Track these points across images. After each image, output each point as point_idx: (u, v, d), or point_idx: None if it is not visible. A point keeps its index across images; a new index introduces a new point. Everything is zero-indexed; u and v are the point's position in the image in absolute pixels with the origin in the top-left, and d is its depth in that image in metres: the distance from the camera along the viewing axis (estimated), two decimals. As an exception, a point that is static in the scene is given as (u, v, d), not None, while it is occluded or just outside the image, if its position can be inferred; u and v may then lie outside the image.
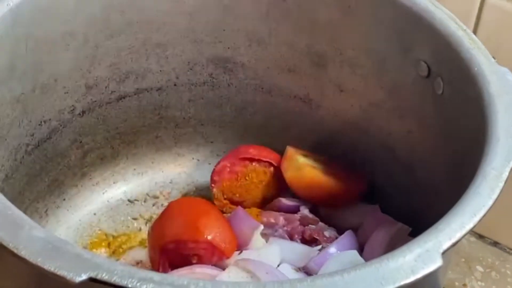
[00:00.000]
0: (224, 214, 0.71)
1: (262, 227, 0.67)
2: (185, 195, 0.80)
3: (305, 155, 0.74)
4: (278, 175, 0.74)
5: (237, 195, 0.74)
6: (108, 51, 0.72)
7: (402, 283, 0.42)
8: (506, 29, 0.74)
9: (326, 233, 0.70)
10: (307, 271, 0.64)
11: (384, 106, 0.71)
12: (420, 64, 0.64)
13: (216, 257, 0.63)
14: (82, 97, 0.72)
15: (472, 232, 0.84)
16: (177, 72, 0.77)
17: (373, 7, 0.67)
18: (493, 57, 0.59)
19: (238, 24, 0.74)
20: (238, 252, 0.65)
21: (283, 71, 0.76)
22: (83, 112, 0.73)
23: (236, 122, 0.80)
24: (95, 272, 0.42)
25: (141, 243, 0.74)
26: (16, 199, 0.68)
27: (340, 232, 0.70)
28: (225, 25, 0.74)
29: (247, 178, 0.74)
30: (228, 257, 0.64)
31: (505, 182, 0.50)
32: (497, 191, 0.49)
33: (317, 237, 0.69)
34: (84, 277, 0.42)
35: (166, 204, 0.76)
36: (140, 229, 0.77)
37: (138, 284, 0.41)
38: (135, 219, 0.78)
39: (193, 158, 0.81)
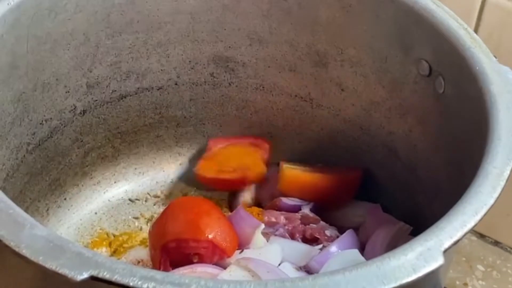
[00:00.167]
0: (225, 214, 0.71)
1: (263, 226, 0.67)
2: (186, 194, 0.80)
3: (296, 165, 0.76)
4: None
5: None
6: (109, 50, 0.72)
7: (404, 281, 0.42)
8: (507, 27, 0.74)
9: (327, 232, 0.70)
10: (308, 270, 0.64)
11: (385, 105, 0.71)
12: (421, 63, 0.64)
13: (217, 256, 0.63)
14: (83, 96, 0.72)
15: (473, 231, 0.84)
16: (178, 71, 0.77)
17: (374, 6, 0.67)
18: (494, 56, 0.59)
19: (238, 23, 0.74)
20: (239, 251, 0.65)
21: (284, 70, 0.76)
22: (84, 111, 0.73)
23: (237, 121, 0.80)
24: (96, 270, 0.42)
25: (142, 242, 0.74)
26: (17, 198, 0.68)
27: (341, 231, 0.70)
28: (225, 24, 0.74)
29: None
30: (229, 256, 0.64)
31: (507, 181, 0.50)
32: (499, 190, 0.49)
33: (318, 236, 0.69)
34: (85, 275, 0.42)
35: (167, 203, 0.76)
36: (141, 229, 0.77)
37: (139, 282, 0.41)
38: (136, 218, 0.78)
39: (194, 157, 0.81)
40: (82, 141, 0.75)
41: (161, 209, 0.74)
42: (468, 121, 0.59)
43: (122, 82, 0.75)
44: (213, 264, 0.63)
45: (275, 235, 0.69)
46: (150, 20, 0.72)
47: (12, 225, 0.44)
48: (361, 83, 0.72)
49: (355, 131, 0.75)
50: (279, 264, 0.65)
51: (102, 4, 0.68)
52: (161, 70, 0.76)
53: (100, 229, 0.76)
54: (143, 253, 0.70)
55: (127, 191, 0.80)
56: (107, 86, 0.74)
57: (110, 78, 0.74)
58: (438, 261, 0.44)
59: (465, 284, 0.81)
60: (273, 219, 0.71)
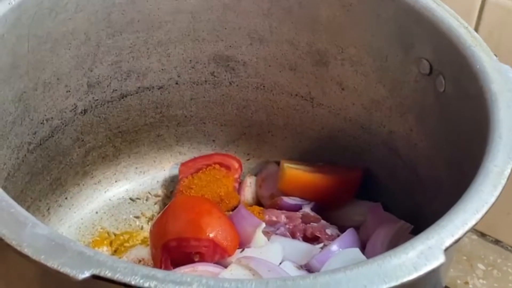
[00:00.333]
0: (226, 212, 0.71)
1: (264, 225, 0.67)
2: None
3: (297, 164, 0.76)
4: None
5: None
6: (110, 50, 0.72)
7: (405, 280, 0.42)
8: (507, 26, 0.74)
9: (328, 231, 0.70)
10: (309, 269, 0.64)
11: (385, 104, 0.71)
12: (421, 62, 0.64)
13: (218, 255, 0.63)
14: (84, 96, 0.72)
15: (474, 230, 0.85)
16: (179, 70, 0.77)
17: (374, 5, 0.67)
18: (495, 55, 0.59)
19: (239, 23, 0.74)
20: (240, 250, 0.65)
21: (285, 69, 0.76)
22: (85, 110, 0.73)
23: (237, 120, 0.80)
24: (98, 269, 0.42)
25: (143, 241, 0.74)
26: (19, 198, 0.68)
27: (342, 230, 0.70)
28: (226, 23, 0.74)
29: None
30: (230, 255, 0.64)
31: (508, 179, 0.50)
32: (500, 188, 0.49)
33: (319, 235, 0.69)
34: (87, 274, 0.42)
35: (168, 202, 0.76)
36: (142, 228, 0.77)
37: (141, 281, 0.41)
38: (137, 217, 0.78)
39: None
40: (83, 140, 0.75)
41: (162, 208, 0.74)
42: (469, 120, 0.59)
43: (123, 82, 0.75)
44: (214, 263, 0.63)
45: (276, 234, 0.69)
46: (150, 20, 0.72)
47: (14, 224, 0.44)
48: (362, 82, 0.72)
49: (356, 130, 0.75)
50: (280, 263, 0.65)
51: (103, 4, 0.68)
52: (162, 69, 0.76)
53: (101, 228, 0.76)
54: (144, 252, 0.70)
55: (128, 190, 0.80)
56: (108, 86, 0.74)
57: (111, 77, 0.74)
58: (439, 260, 0.44)
59: (466, 283, 0.81)
60: (274, 218, 0.71)
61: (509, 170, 0.50)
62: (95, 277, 0.42)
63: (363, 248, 0.67)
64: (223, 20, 0.74)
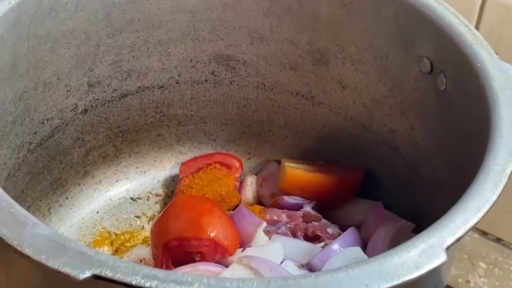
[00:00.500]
0: (227, 212, 0.71)
1: (265, 224, 0.66)
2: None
3: (298, 163, 0.76)
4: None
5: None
6: (110, 49, 0.72)
7: (406, 278, 0.42)
8: (508, 24, 0.74)
9: (329, 230, 0.70)
10: (311, 268, 0.64)
11: (386, 102, 0.71)
12: (422, 60, 0.64)
13: (219, 254, 0.63)
14: (84, 95, 0.72)
15: (475, 228, 0.84)
16: (179, 70, 0.77)
17: (374, 3, 0.67)
18: (496, 53, 0.59)
19: (239, 22, 0.74)
20: (241, 249, 0.65)
21: (285, 68, 0.76)
22: (85, 110, 0.73)
23: (238, 119, 0.80)
24: (98, 269, 0.42)
25: (144, 241, 0.74)
26: (19, 198, 0.68)
27: (343, 229, 0.70)
28: (226, 22, 0.74)
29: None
30: (231, 254, 0.64)
31: (509, 178, 0.50)
32: (501, 187, 0.49)
33: (320, 234, 0.69)
34: (88, 274, 0.41)
35: (168, 202, 0.76)
36: (143, 227, 0.77)
37: (142, 281, 0.41)
38: (138, 217, 0.78)
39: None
40: (83, 140, 0.75)
41: (163, 208, 0.74)
42: (470, 118, 0.58)
43: (123, 81, 0.75)
44: (215, 263, 0.63)
45: (277, 233, 0.69)
46: (150, 19, 0.72)
47: (14, 224, 0.44)
48: (362, 80, 0.72)
49: (357, 129, 0.75)
50: (281, 262, 0.64)
51: (103, 3, 0.68)
52: (162, 68, 0.76)
53: (102, 228, 0.76)
54: (145, 251, 0.70)
55: (129, 190, 0.80)
56: (108, 85, 0.74)
57: (111, 77, 0.73)
58: (440, 258, 0.44)
59: (467, 281, 0.81)
60: (275, 217, 0.71)
61: (510, 169, 0.50)
62: (96, 277, 0.42)
63: (364, 247, 0.67)
64: (223, 19, 0.74)
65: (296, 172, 0.74)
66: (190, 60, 0.76)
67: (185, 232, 0.63)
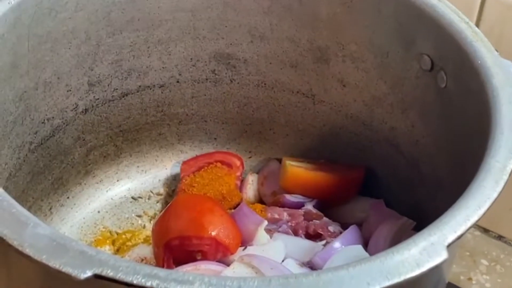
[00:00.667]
0: (228, 210, 0.71)
1: (266, 222, 0.66)
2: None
3: (299, 161, 0.76)
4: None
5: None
6: (110, 49, 0.72)
7: (408, 276, 0.42)
8: (508, 21, 0.74)
9: (331, 228, 0.69)
10: (312, 266, 0.64)
11: (387, 100, 0.71)
12: (422, 58, 0.64)
13: (220, 253, 0.63)
14: (84, 95, 0.72)
15: (476, 226, 0.84)
16: (180, 68, 0.76)
17: (375, 1, 0.67)
18: (496, 50, 0.59)
19: (239, 20, 0.73)
20: (242, 248, 0.65)
21: (286, 66, 0.75)
22: (86, 109, 0.73)
23: (239, 118, 0.80)
24: (100, 268, 0.42)
25: (145, 240, 0.74)
26: (20, 198, 0.68)
27: (345, 227, 0.70)
28: (226, 21, 0.74)
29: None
30: (232, 253, 0.63)
31: (510, 175, 0.50)
32: (502, 184, 0.49)
33: (322, 232, 0.69)
34: (89, 273, 0.41)
35: (170, 201, 0.76)
36: (144, 226, 0.77)
37: (143, 280, 0.41)
38: (139, 216, 0.78)
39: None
40: (84, 139, 0.75)
41: (164, 207, 0.74)
42: (470, 116, 0.58)
43: (124, 80, 0.75)
44: (216, 261, 0.63)
45: (278, 231, 0.69)
46: (150, 18, 0.72)
47: (15, 224, 0.44)
48: (363, 78, 0.72)
49: (357, 127, 0.75)
50: (283, 261, 0.64)
51: (103, 3, 0.68)
52: (163, 67, 0.76)
53: (103, 227, 0.76)
54: (146, 251, 0.70)
55: (130, 189, 0.80)
56: (108, 85, 0.74)
57: (111, 76, 0.73)
58: (442, 256, 0.44)
59: (469, 279, 0.81)
60: (276, 216, 0.71)
61: (511, 166, 0.50)
62: (97, 276, 0.42)
63: (365, 245, 0.66)
64: (223, 18, 0.73)
65: (297, 170, 0.74)
66: (191, 59, 0.76)
67: (186, 231, 0.63)
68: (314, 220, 0.70)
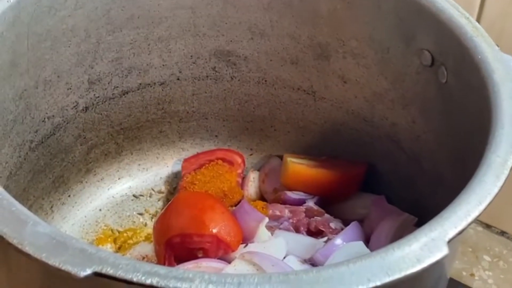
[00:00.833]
0: (230, 208, 0.70)
1: (267, 219, 0.66)
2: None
3: (300, 158, 0.76)
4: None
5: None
6: (110, 46, 0.71)
7: (408, 272, 0.42)
8: (509, 17, 0.74)
9: (332, 225, 0.69)
10: (313, 263, 0.64)
11: (388, 96, 0.70)
12: (423, 53, 0.64)
13: (221, 250, 0.63)
14: (85, 93, 0.72)
15: (479, 221, 0.84)
16: (180, 66, 0.76)
17: (375, -4, 0.67)
18: (497, 45, 0.59)
19: (239, 17, 0.73)
20: (243, 245, 0.65)
21: (286, 63, 0.75)
22: (86, 108, 0.73)
23: (240, 115, 0.80)
24: (99, 266, 0.41)
25: (146, 238, 0.74)
26: (21, 196, 0.68)
27: (346, 223, 0.69)
28: (226, 18, 0.73)
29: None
30: (233, 250, 0.63)
31: (511, 170, 0.49)
32: (503, 178, 0.48)
33: (323, 229, 0.69)
34: (88, 271, 0.41)
35: (171, 198, 0.76)
36: (145, 224, 0.77)
37: (143, 278, 0.41)
38: (140, 214, 0.78)
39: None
40: (85, 137, 0.75)
41: (165, 205, 0.74)
42: (471, 111, 0.58)
43: (124, 78, 0.74)
44: (217, 259, 0.63)
45: (280, 228, 0.69)
46: (150, 15, 0.72)
47: (15, 223, 0.44)
48: (364, 74, 0.71)
49: (359, 123, 0.74)
50: (284, 258, 0.64)
51: (102, 0, 0.68)
52: (163, 65, 0.76)
53: (105, 225, 0.76)
54: (148, 248, 0.69)
55: (131, 187, 0.80)
56: (109, 83, 0.74)
57: (111, 74, 0.73)
58: (442, 251, 0.43)
59: (472, 274, 0.81)
60: (278, 213, 0.70)
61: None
62: (97, 274, 0.41)
63: (367, 242, 0.66)
64: (224, 15, 0.73)
65: (298, 167, 0.74)
66: (191, 56, 0.76)
67: (188, 228, 0.63)
68: (315, 217, 0.70)
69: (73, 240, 0.43)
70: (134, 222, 0.77)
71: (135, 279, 0.41)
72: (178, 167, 0.80)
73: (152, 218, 0.77)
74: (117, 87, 0.75)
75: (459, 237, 0.46)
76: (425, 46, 0.64)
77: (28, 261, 0.43)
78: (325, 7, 0.70)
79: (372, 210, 0.70)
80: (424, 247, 0.43)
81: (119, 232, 0.75)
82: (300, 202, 0.72)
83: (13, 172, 0.66)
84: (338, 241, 0.65)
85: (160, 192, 0.80)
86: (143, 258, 0.69)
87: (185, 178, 0.76)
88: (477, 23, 0.60)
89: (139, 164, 0.80)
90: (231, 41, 0.75)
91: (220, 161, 0.77)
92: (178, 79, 0.77)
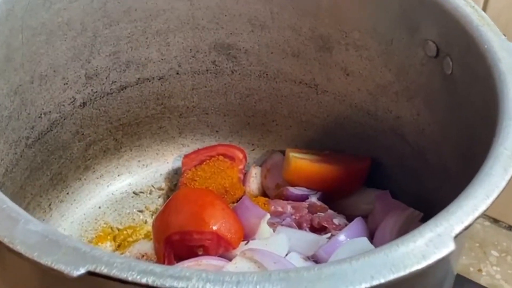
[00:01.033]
0: (231, 204, 0.69)
1: (268, 216, 0.65)
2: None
3: (303, 153, 0.74)
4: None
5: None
6: (107, 40, 0.70)
7: (413, 269, 0.41)
8: (516, 6, 0.73)
9: (335, 221, 0.68)
10: (316, 260, 0.63)
11: (391, 88, 0.69)
12: (427, 44, 0.63)
13: (222, 248, 0.62)
14: (82, 88, 0.71)
15: (486, 216, 0.83)
16: (179, 60, 0.75)
17: (377, -14, 0.65)
18: (504, 34, 0.58)
19: (239, 9, 0.72)
20: (245, 242, 0.64)
21: (287, 56, 0.74)
22: (84, 103, 0.72)
23: (241, 109, 0.79)
24: (93, 265, 0.40)
25: (146, 236, 0.73)
26: (18, 194, 0.67)
27: (350, 219, 0.68)
28: (226, 10, 0.72)
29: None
30: (234, 248, 0.62)
31: (519, 162, 0.48)
32: (511, 172, 0.47)
33: (326, 225, 0.68)
34: (82, 270, 0.40)
35: (171, 195, 0.75)
36: (145, 222, 0.76)
37: (138, 277, 0.40)
38: (140, 211, 0.77)
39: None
40: (83, 134, 0.74)
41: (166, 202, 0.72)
42: (477, 102, 0.57)
43: (122, 73, 0.73)
44: (218, 256, 0.62)
45: (282, 225, 0.67)
46: (148, 8, 0.71)
47: (6, 221, 0.43)
48: (367, 67, 0.70)
49: (362, 117, 0.73)
50: (287, 255, 0.63)
51: (98, -7, 0.67)
52: (162, 59, 0.75)
53: (104, 223, 0.75)
54: (147, 246, 0.68)
55: (131, 184, 0.79)
56: (106, 77, 0.73)
57: (109, 68, 0.72)
58: (448, 247, 0.42)
59: (479, 270, 0.80)
60: (280, 209, 0.69)
61: (520, 153, 0.48)
62: (90, 273, 0.40)
63: (371, 237, 0.65)
64: (223, 7, 0.72)
65: (301, 162, 0.73)
66: (190, 50, 0.75)
67: (187, 225, 0.62)
68: (318, 213, 0.69)
69: (66, 238, 0.42)
70: (134, 219, 0.76)
71: (130, 278, 0.40)
72: (178, 163, 0.79)
73: (152, 215, 0.76)
74: (115, 82, 0.73)
75: (466, 232, 0.44)
76: (430, 37, 0.62)
77: (20, 261, 0.42)
78: (327, -3, 0.69)
79: (376, 205, 0.69)
80: (430, 243, 0.42)
81: (118, 229, 0.74)
82: (303, 198, 0.71)
83: (9, 169, 0.65)
84: (341, 237, 0.64)
85: (160, 189, 0.79)
86: (142, 256, 0.68)
87: (185, 175, 0.75)
88: (483, 12, 0.59)
89: (139, 161, 0.79)
90: (231, 33, 0.74)
91: (221, 157, 0.76)
92: (177, 73, 0.76)
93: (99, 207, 0.77)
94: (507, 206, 0.82)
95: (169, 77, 0.76)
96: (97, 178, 0.77)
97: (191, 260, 0.61)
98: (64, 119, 0.71)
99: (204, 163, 0.76)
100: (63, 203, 0.75)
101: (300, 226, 0.68)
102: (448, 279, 0.54)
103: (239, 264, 0.59)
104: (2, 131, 0.63)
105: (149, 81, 0.75)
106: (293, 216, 0.69)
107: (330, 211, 0.70)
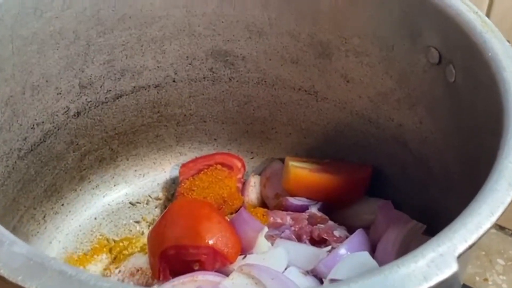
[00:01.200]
0: (228, 216, 0.68)
1: (266, 229, 0.64)
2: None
3: (302, 161, 0.73)
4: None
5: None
6: (101, 48, 0.69)
7: (414, 291, 0.39)
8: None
9: (336, 233, 0.67)
10: (316, 274, 0.61)
11: (393, 96, 0.68)
12: (430, 51, 0.62)
13: (218, 262, 0.61)
14: (76, 98, 0.70)
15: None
16: (175, 67, 0.74)
17: (378, -9, 0.64)
18: (508, 41, 0.56)
19: (236, 15, 0.71)
20: (242, 256, 0.62)
21: (286, 62, 0.73)
22: (78, 113, 0.71)
23: (239, 117, 0.78)
24: (79, 290, 0.39)
25: (142, 249, 0.72)
26: (10, 207, 0.67)
27: (351, 230, 0.67)
28: (223, 16, 0.71)
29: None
30: (231, 262, 0.61)
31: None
32: (516, 186, 0.45)
33: (327, 237, 0.66)
34: (67, 296, 0.39)
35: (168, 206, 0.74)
36: (142, 233, 0.75)
37: (127, 302, 0.38)
38: (137, 222, 0.76)
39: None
40: (77, 144, 0.73)
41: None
42: (481, 111, 0.56)
43: (117, 81, 0.72)
44: (215, 271, 0.61)
45: (281, 237, 0.66)
46: (143, 15, 0.70)
47: (-10, 242, 0.42)
48: (368, 73, 0.69)
49: (363, 124, 0.73)
50: (285, 269, 0.61)
51: (91, 0, 0.66)
52: (157, 67, 0.73)
53: (100, 235, 0.74)
54: (142, 260, 0.67)
55: (128, 194, 0.78)
56: (101, 86, 0.71)
57: (103, 77, 0.71)
58: (451, 268, 0.41)
59: (485, 279, 0.79)
60: (279, 220, 0.68)
61: (526, 167, 0.47)
62: (76, 299, 0.39)
63: (373, 250, 0.64)
64: (219, 14, 0.71)
65: (300, 172, 0.71)
66: (187, 57, 0.73)
67: (183, 239, 0.60)
68: (318, 224, 0.68)
69: (52, 261, 0.41)
70: (131, 230, 0.75)
71: (117, 303, 0.38)
72: (175, 173, 0.78)
73: (149, 226, 0.75)
74: (110, 90, 0.72)
75: (470, 251, 0.43)
76: (432, 43, 0.61)
77: (4, 284, 0.40)
78: (326, 2, 0.68)
79: (379, 216, 0.68)
80: (432, 264, 0.41)
81: (115, 241, 0.73)
82: (303, 209, 0.70)
83: (1, 182, 0.65)
84: (342, 251, 0.62)
85: (157, 198, 0.78)
86: (137, 270, 0.66)
87: (183, 184, 0.74)
88: (486, 18, 0.58)
89: (135, 170, 0.78)
90: (228, 40, 0.73)
91: (219, 166, 0.75)
92: (173, 81, 0.75)
93: (95, 218, 0.75)
94: (513, 213, 0.80)
95: (166, 85, 0.75)
96: (93, 189, 0.76)
97: (187, 276, 0.60)
98: (58, 130, 0.70)
99: (202, 172, 0.74)
100: (58, 214, 0.73)
101: (299, 238, 0.67)
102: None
103: (236, 280, 0.57)
104: (-7, 144, 0.62)
105: (145, 89, 0.74)
106: (293, 228, 0.67)
107: (330, 222, 0.68)
